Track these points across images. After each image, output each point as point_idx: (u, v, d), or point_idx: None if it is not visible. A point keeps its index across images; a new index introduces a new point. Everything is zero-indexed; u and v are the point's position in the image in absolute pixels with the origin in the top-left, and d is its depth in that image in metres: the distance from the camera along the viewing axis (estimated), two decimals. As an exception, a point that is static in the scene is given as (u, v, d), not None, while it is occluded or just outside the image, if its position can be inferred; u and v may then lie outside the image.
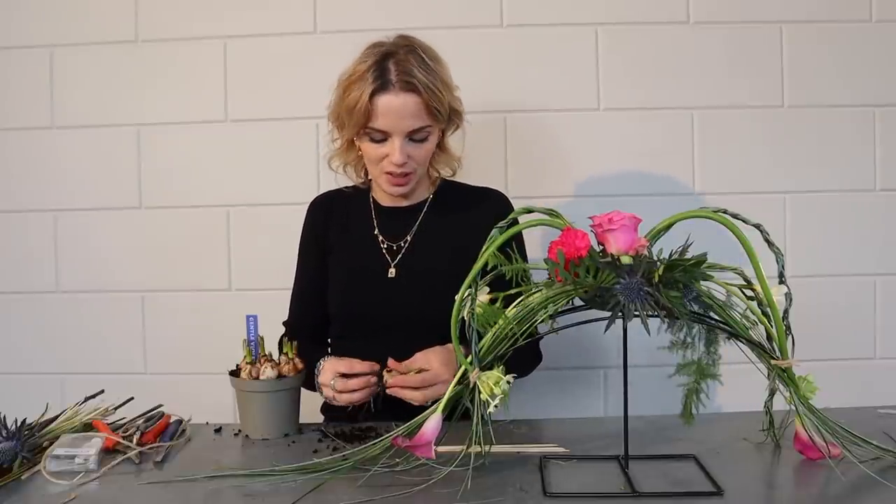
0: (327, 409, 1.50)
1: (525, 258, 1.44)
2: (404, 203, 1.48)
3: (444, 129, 1.42)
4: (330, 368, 1.29)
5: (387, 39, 1.35)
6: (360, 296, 1.44)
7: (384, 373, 1.26)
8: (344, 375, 1.27)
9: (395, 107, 1.30)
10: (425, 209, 1.47)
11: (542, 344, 1.50)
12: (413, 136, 1.33)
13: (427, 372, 1.24)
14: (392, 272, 1.43)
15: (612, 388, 1.82)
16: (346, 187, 1.53)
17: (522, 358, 1.43)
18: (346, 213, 1.50)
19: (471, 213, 1.45)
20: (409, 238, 1.45)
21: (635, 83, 1.79)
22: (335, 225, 1.49)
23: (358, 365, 1.27)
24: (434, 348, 1.27)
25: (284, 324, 1.52)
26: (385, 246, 1.45)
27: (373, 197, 1.50)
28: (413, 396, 1.24)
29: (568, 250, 0.96)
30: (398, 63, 1.30)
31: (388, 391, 1.26)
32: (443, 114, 1.34)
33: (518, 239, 1.42)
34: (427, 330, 1.28)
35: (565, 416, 1.52)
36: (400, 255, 1.44)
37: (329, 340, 1.52)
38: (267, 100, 1.81)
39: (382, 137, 1.33)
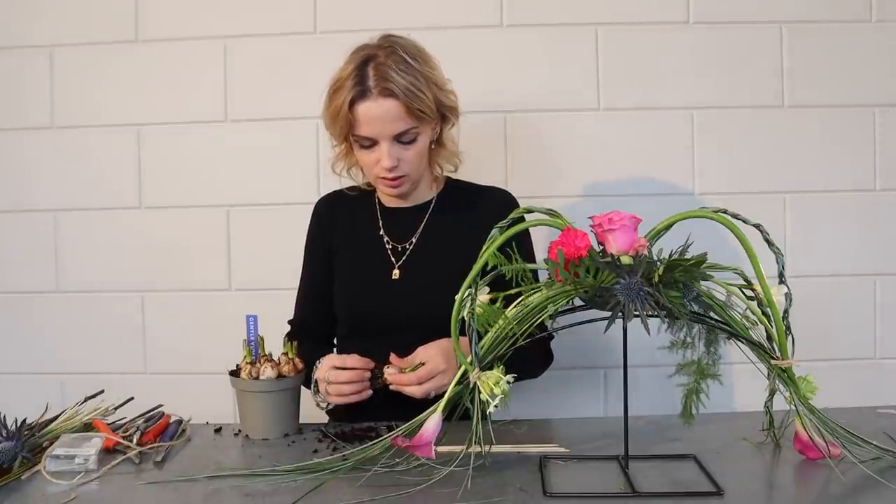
0: (331, 410, 1.51)
1: (532, 257, 1.44)
2: (409, 204, 1.48)
3: (441, 127, 1.42)
4: (326, 363, 1.30)
5: (371, 41, 1.34)
6: (364, 298, 1.44)
7: (384, 368, 1.27)
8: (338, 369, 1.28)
9: (376, 114, 1.29)
10: (430, 210, 1.47)
11: (544, 344, 1.50)
12: (401, 139, 1.33)
13: (424, 366, 1.24)
14: (396, 274, 1.43)
15: (612, 388, 1.82)
16: (350, 188, 1.53)
17: (534, 357, 1.43)
18: (351, 215, 1.50)
19: (476, 212, 1.45)
20: (413, 240, 1.45)
21: (635, 83, 1.79)
22: (341, 226, 1.49)
23: (350, 360, 1.28)
24: (437, 341, 1.28)
25: (290, 322, 1.52)
26: (390, 247, 1.45)
27: (378, 198, 1.50)
28: (413, 392, 1.25)
29: (568, 250, 0.96)
30: (377, 67, 1.29)
31: (389, 387, 1.26)
32: (428, 113, 1.32)
33: (523, 238, 1.41)
34: (431, 332, 1.28)
35: (565, 416, 1.52)
36: (404, 257, 1.44)
37: (335, 340, 1.53)
38: (267, 100, 1.81)
39: (370, 143, 1.33)
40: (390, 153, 1.32)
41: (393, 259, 1.44)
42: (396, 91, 1.28)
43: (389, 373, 1.26)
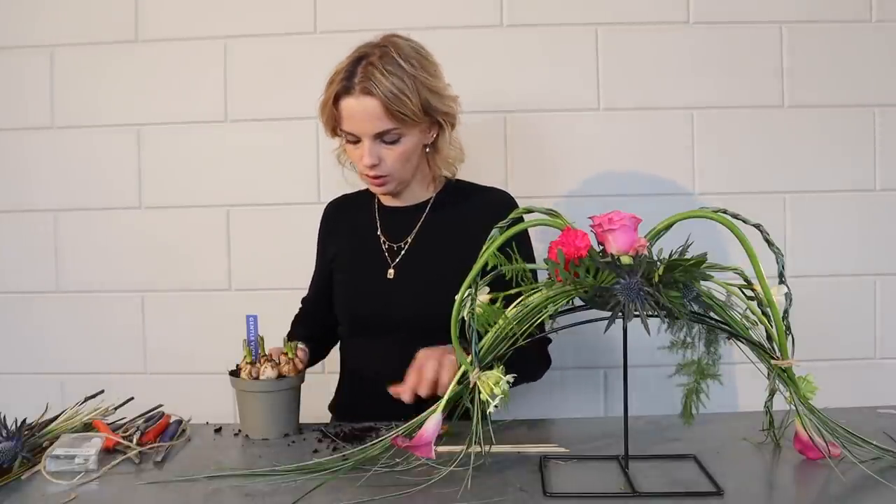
0: (334, 407, 1.51)
1: (531, 257, 1.44)
2: (407, 203, 1.48)
3: (437, 131, 1.40)
4: None
5: (373, 40, 1.35)
6: (360, 297, 1.44)
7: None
8: None
9: (356, 111, 1.30)
10: (428, 209, 1.47)
11: (544, 343, 1.50)
12: (383, 138, 1.33)
13: (411, 366, 1.21)
14: (391, 273, 1.43)
15: (612, 388, 1.82)
16: (358, 191, 1.54)
17: (529, 362, 1.43)
18: (353, 216, 1.51)
19: (472, 212, 1.44)
20: (409, 239, 1.45)
21: (635, 83, 1.79)
22: (343, 228, 1.50)
23: None
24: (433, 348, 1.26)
25: (303, 300, 1.56)
26: (386, 247, 1.45)
27: (378, 198, 1.50)
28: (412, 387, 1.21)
29: (568, 250, 0.96)
30: (366, 67, 1.29)
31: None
32: (410, 116, 1.31)
33: (522, 238, 1.40)
34: (428, 331, 1.26)
35: (565, 416, 1.52)
36: (399, 257, 1.44)
37: (339, 340, 1.54)
38: (267, 100, 1.81)
39: (355, 139, 1.34)
40: (371, 151, 1.33)
41: (388, 258, 1.44)
42: (375, 91, 1.28)
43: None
